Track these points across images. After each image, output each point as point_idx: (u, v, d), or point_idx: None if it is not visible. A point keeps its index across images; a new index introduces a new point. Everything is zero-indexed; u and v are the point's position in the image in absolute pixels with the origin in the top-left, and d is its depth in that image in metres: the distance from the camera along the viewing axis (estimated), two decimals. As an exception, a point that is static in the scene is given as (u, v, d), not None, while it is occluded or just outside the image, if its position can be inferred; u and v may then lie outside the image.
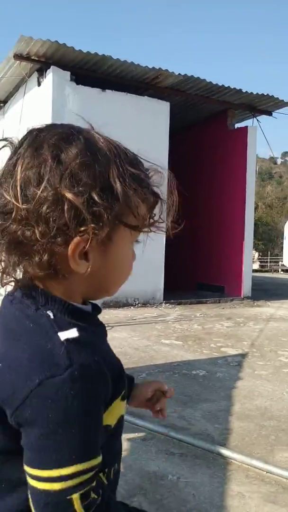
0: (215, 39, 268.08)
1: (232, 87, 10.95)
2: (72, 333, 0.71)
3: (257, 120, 12.58)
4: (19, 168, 0.71)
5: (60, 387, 0.66)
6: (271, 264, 29.67)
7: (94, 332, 0.80)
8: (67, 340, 0.70)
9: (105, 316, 8.69)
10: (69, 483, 0.66)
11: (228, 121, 12.35)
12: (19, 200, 0.70)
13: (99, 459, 0.70)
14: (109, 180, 0.73)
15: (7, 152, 0.77)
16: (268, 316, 9.29)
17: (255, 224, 16.05)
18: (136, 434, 3.39)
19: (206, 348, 6.33)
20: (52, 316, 0.73)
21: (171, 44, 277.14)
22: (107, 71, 9.96)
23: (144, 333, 7.11)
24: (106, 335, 0.89)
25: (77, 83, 9.56)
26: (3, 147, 0.77)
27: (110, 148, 0.76)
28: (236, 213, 11.80)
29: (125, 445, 3.23)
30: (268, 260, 30.47)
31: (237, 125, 12.99)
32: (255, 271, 22.42)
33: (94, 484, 0.69)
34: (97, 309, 0.86)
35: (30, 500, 0.69)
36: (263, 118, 12.71)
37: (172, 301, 10.52)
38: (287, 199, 59.18)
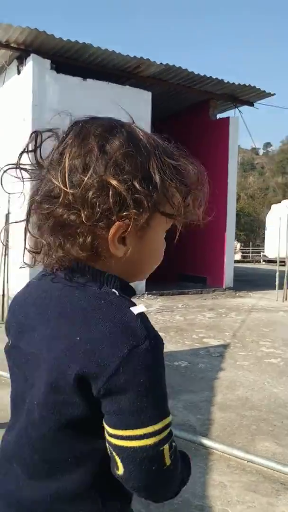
0: (197, 28, 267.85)
1: (214, 77, 10.92)
2: (141, 308, 0.77)
3: (239, 110, 12.59)
4: (67, 156, 0.76)
5: (144, 355, 0.72)
6: (253, 254, 29.84)
7: None
8: (139, 314, 0.76)
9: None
10: (161, 436, 0.74)
11: (210, 112, 12.33)
12: (67, 186, 0.74)
13: (171, 415, 0.78)
14: (149, 170, 0.78)
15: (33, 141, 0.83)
16: (250, 307, 9.36)
17: (237, 215, 16.12)
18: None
19: (188, 339, 6.35)
20: (117, 293, 0.79)
21: (154, 33, 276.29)
22: (88, 59, 9.83)
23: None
24: None
25: (58, 72, 9.42)
26: (48, 137, 0.82)
27: (149, 141, 0.81)
28: (219, 204, 11.81)
29: (107, 436, 3.22)
30: (250, 250, 30.64)
31: (219, 116, 13.00)
32: (237, 261, 22.54)
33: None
34: (133, 290, 0.90)
35: (118, 459, 0.74)
36: (245, 108, 12.74)
37: (154, 292, 10.53)
38: (268, 189, 59.56)
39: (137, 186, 0.76)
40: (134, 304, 0.78)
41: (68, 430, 0.77)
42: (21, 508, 0.80)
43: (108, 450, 0.76)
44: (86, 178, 0.74)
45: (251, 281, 13.97)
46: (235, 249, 27.71)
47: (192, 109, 12.61)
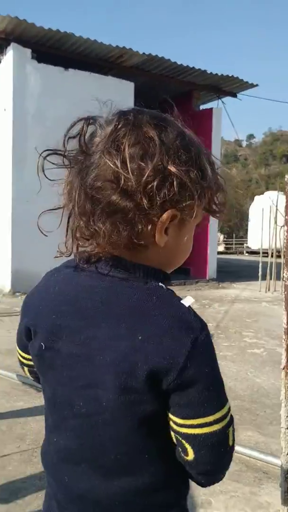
0: (181, 18, 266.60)
1: (197, 68, 10.88)
2: (190, 300, 0.79)
3: (222, 101, 12.57)
4: (126, 144, 0.75)
5: (204, 346, 0.75)
6: (236, 246, 29.97)
7: None
8: (189, 307, 0.78)
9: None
10: (227, 419, 0.78)
11: (193, 102, 12.29)
12: (129, 172, 0.74)
13: None
14: (202, 163, 0.81)
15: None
16: (233, 298, 9.40)
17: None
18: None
19: (171, 330, 6.34)
20: (165, 287, 0.80)
21: (136, 23, 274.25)
22: (70, 49, 9.69)
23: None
24: None
25: (39, 61, 9.28)
26: (89, 125, 0.81)
27: (194, 136, 0.84)
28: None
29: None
30: (233, 242, 30.76)
31: (202, 107, 12.97)
32: (220, 253, 22.62)
33: None
34: (169, 278, 0.91)
35: (188, 447, 0.77)
36: (228, 100, 12.72)
37: (138, 283, 10.49)
38: (252, 181, 59.85)
39: (196, 177, 0.78)
40: (182, 298, 0.79)
41: (142, 427, 0.78)
42: (100, 506, 0.82)
43: (175, 438, 0.79)
44: (150, 166, 0.75)
45: (234, 272, 14.04)
46: (218, 241, 27.82)
47: (175, 99, 12.48)
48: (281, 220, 9.82)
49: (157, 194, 0.75)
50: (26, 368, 1.03)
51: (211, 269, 11.91)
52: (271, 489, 2.53)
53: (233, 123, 13.19)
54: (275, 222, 10.49)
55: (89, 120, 0.81)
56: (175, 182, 0.76)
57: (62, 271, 0.87)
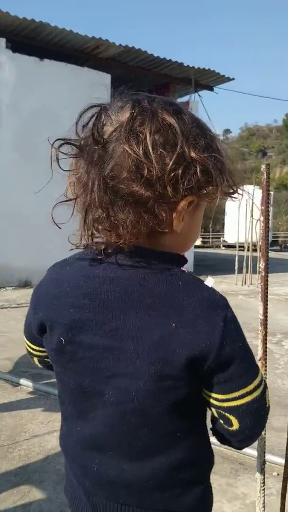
0: (159, 10, 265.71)
1: (173, 60, 10.84)
2: (211, 280, 0.86)
3: (199, 95, 12.57)
4: (147, 132, 0.73)
5: (232, 321, 0.79)
6: (213, 240, 30.13)
7: None
8: (212, 287, 0.81)
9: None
10: (263, 384, 0.83)
11: (170, 95, 12.25)
12: (152, 162, 0.73)
13: None
14: (217, 148, 0.81)
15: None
16: (210, 291, 9.40)
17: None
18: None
19: (148, 323, 6.32)
20: (187, 271, 0.82)
21: (113, 14, 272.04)
22: (46, 39, 9.54)
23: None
24: None
25: (14, 51, 9.12)
26: (96, 113, 0.79)
27: (204, 121, 0.84)
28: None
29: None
30: (210, 236, 30.90)
31: (179, 100, 12.93)
32: (197, 247, 22.70)
33: None
34: (186, 260, 0.93)
35: (233, 418, 0.81)
36: (205, 96, 12.72)
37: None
38: (228, 176, 60.00)
39: (216, 162, 0.79)
40: (203, 280, 0.82)
41: (173, 411, 0.80)
42: (128, 486, 0.84)
43: (216, 413, 0.84)
44: (173, 154, 0.74)
45: (211, 265, 14.10)
46: (195, 235, 27.89)
47: (152, 92, 12.44)
48: (257, 214, 9.87)
49: (181, 181, 0.75)
50: (35, 358, 1.05)
51: (188, 263, 11.92)
52: (247, 480, 2.53)
53: (210, 117, 13.21)
54: (251, 216, 10.55)
55: (101, 108, 0.79)
56: (198, 169, 0.76)
57: (74, 263, 0.85)
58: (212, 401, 0.82)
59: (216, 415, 0.85)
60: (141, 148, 0.73)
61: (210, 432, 0.92)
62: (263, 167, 2.04)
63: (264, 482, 1.88)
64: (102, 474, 0.85)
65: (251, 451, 2.69)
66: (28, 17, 8.77)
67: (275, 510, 2.21)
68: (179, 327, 0.75)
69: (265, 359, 1.86)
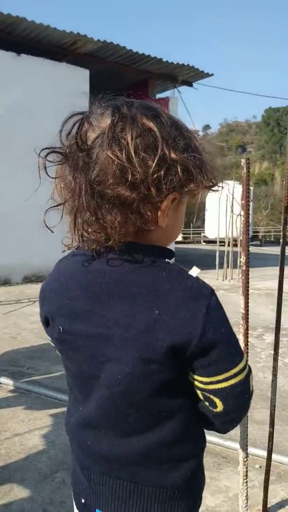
0: (137, 7, 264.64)
1: (152, 56, 10.80)
2: (196, 270, 0.87)
3: (178, 91, 12.57)
4: (128, 138, 0.78)
5: (216, 308, 0.83)
6: (194, 235, 30.24)
7: None
8: (196, 276, 0.85)
9: (26, 291, 8.45)
10: (247, 368, 0.88)
11: (149, 91, 12.23)
12: (136, 166, 0.77)
13: None
14: (196, 146, 0.86)
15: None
16: (191, 286, 9.41)
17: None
18: (59, 409, 3.30)
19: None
20: (172, 262, 0.87)
21: (91, 9, 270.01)
22: (22, 34, 9.41)
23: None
24: None
25: (-10, 46, 8.99)
26: (78, 121, 0.83)
27: (181, 121, 0.89)
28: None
29: (48, 420, 3.14)
30: (191, 231, 31.00)
31: (158, 96, 12.91)
32: (178, 242, 22.74)
33: None
34: (173, 253, 0.97)
35: (217, 400, 0.86)
36: (186, 92, 12.73)
37: (96, 274, 10.40)
38: (208, 172, 60.24)
39: (195, 160, 0.84)
40: (188, 269, 0.86)
41: (159, 393, 0.86)
42: (119, 461, 0.91)
43: (201, 395, 0.88)
44: (154, 157, 0.79)
45: (192, 261, 14.11)
46: (176, 231, 27.91)
47: (132, 88, 12.45)
48: (237, 209, 9.93)
49: (164, 182, 0.80)
50: (57, 350, 1.10)
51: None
52: (230, 473, 2.54)
53: (190, 113, 13.24)
54: (232, 211, 10.61)
55: (83, 116, 0.84)
56: (179, 169, 0.81)
57: (71, 259, 0.92)
58: (197, 383, 0.87)
59: (201, 397, 0.89)
60: (124, 154, 0.77)
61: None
62: (243, 161, 2.04)
63: (246, 475, 1.89)
64: (96, 450, 0.92)
65: (233, 444, 2.71)
66: (4, 12, 8.64)
67: (258, 502, 2.23)
68: (162, 315, 0.81)
69: (247, 353, 1.87)
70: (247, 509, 1.89)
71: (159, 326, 0.80)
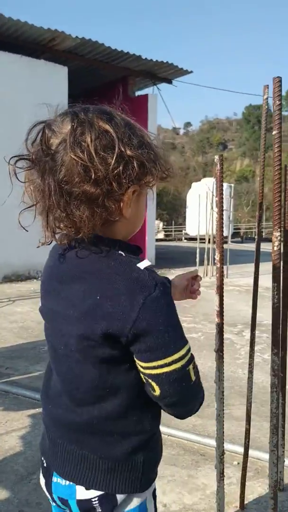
0: (117, 3, 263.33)
1: (131, 53, 10.76)
2: (146, 262, 0.94)
3: (158, 88, 12.56)
4: (88, 140, 0.87)
5: (157, 300, 0.89)
6: (176, 233, 30.28)
7: None
8: (146, 268, 0.92)
9: (6, 290, 8.37)
10: (185, 359, 0.93)
11: (129, 89, 12.19)
12: (97, 165, 0.87)
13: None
14: (148, 142, 0.96)
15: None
16: (172, 283, 9.43)
17: (159, 195, 16.10)
18: (37, 409, 3.27)
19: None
20: (124, 254, 0.94)
21: (70, 6, 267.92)
22: (-1, 30, 9.30)
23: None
24: None
25: None
26: (41, 129, 0.91)
27: (134, 120, 0.98)
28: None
29: (25, 421, 3.11)
30: (173, 229, 31.04)
31: (138, 93, 12.88)
32: (160, 240, 22.74)
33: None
34: (139, 248, 1.04)
35: (154, 384, 0.93)
36: (166, 89, 12.74)
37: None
38: (189, 169, 60.56)
39: (149, 155, 0.94)
40: (139, 261, 0.93)
41: (103, 367, 0.95)
42: (70, 428, 1.02)
43: (144, 379, 0.95)
44: (113, 155, 0.88)
45: (172, 258, 14.16)
46: (158, 228, 27.97)
47: (111, 85, 12.39)
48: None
49: (123, 177, 0.90)
50: None
51: (150, 256, 11.95)
52: (207, 470, 2.54)
53: (170, 111, 13.26)
54: (212, 208, 10.64)
55: (45, 124, 0.92)
56: (135, 164, 0.91)
57: (53, 250, 1.06)
58: (138, 366, 0.94)
59: (144, 380, 0.96)
60: (85, 155, 0.86)
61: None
62: (216, 157, 2.03)
63: (223, 472, 1.89)
64: (54, 414, 1.05)
65: (211, 441, 2.71)
66: (-20, 7, 8.52)
67: (236, 499, 2.23)
68: (103, 300, 0.90)
69: (222, 351, 1.87)
70: (223, 507, 1.88)
71: (99, 310, 0.90)
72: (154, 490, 1.10)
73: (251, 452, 2.37)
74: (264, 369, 4.21)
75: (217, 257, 1.96)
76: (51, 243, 0.99)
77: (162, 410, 1.04)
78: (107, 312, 0.89)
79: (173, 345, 0.92)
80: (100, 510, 1.00)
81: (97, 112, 0.92)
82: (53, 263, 1.04)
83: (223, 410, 1.79)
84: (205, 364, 4.31)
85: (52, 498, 1.07)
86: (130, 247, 1.00)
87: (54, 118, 0.93)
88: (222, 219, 1.80)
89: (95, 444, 1.00)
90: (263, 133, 2.05)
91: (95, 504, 1.00)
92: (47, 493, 1.09)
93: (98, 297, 0.90)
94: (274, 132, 1.38)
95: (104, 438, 0.99)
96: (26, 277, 9.59)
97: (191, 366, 0.95)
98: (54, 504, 1.09)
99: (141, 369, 0.94)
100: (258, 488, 2.39)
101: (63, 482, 1.03)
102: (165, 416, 1.05)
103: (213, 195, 10.44)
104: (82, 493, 1.00)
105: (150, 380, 0.94)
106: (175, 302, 0.98)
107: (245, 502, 2.22)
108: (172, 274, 11.00)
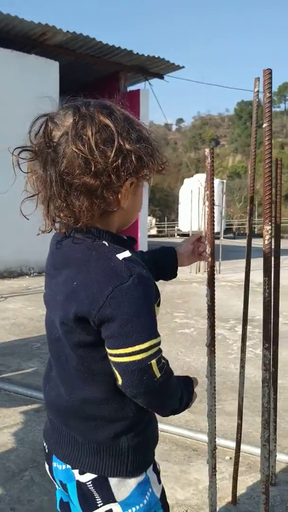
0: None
1: (123, 48, 10.72)
2: (126, 253, 0.96)
3: (149, 83, 12.52)
4: (89, 134, 0.91)
5: (128, 290, 0.91)
6: (168, 229, 30.28)
7: (136, 254, 1.04)
8: (124, 258, 0.95)
9: (-2, 287, 8.32)
10: (147, 353, 0.94)
11: (120, 84, 12.14)
12: (97, 157, 0.91)
13: (160, 337, 0.98)
14: (147, 136, 1.00)
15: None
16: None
17: (152, 191, 16.08)
18: (29, 406, 3.26)
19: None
20: (107, 244, 0.98)
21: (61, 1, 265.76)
22: (-11, 25, 9.22)
23: (39, 303, 6.87)
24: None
25: None
26: (44, 121, 0.95)
27: (132, 115, 1.02)
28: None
29: (17, 418, 3.09)
30: (165, 225, 31.04)
31: (130, 88, 12.84)
32: (152, 236, 22.73)
33: (162, 353, 0.99)
34: (132, 239, 1.09)
35: (117, 373, 0.96)
36: (159, 85, 12.73)
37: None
38: (182, 165, 60.52)
39: (146, 149, 0.98)
40: (121, 251, 0.96)
41: (80, 352, 0.99)
42: (60, 410, 1.08)
43: (112, 366, 0.97)
44: (112, 149, 0.92)
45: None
46: (151, 224, 27.95)
47: (102, 80, 12.34)
48: (209, 202, 9.93)
49: (122, 169, 0.94)
50: None
51: (143, 252, 11.93)
52: (200, 466, 2.54)
53: (162, 107, 13.20)
54: (204, 203, 10.64)
55: (48, 117, 0.95)
56: (133, 157, 0.95)
57: (53, 238, 1.10)
58: (107, 353, 0.97)
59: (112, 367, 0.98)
60: (86, 148, 0.91)
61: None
62: (206, 151, 2.02)
63: (215, 467, 1.88)
64: (49, 397, 1.12)
65: (203, 436, 2.71)
66: None
67: (228, 494, 2.23)
68: (78, 287, 0.95)
69: (213, 345, 1.85)
70: (215, 502, 1.88)
71: (74, 296, 0.95)
72: (158, 474, 1.12)
73: (243, 447, 2.37)
74: (256, 364, 4.21)
75: (207, 251, 1.95)
76: (50, 231, 1.03)
77: None
78: (80, 298, 0.93)
79: (136, 335, 0.93)
80: (97, 495, 1.03)
81: (98, 107, 0.96)
82: (51, 251, 1.09)
83: (215, 405, 1.78)
84: (198, 360, 4.32)
85: (56, 482, 1.13)
86: (118, 238, 1.03)
87: (56, 111, 0.97)
88: (213, 211, 1.79)
89: (80, 428, 1.04)
90: (254, 127, 2.04)
91: (91, 487, 1.03)
92: (51, 478, 1.15)
93: (75, 284, 0.95)
94: (264, 125, 1.36)
95: (88, 423, 1.03)
96: (18, 273, 9.53)
97: (153, 361, 0.95)
98: (59, 488, 1.15)
99: (108, 356, 0.97)
100: (250, 482, 2.39)
101: (60, 467, 1.08)
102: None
103: (205, 190, 10.43)
104: (78, 476, 1.05)
105: (114, 368, 0.96)
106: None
107: (237, 496, 2.22)
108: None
